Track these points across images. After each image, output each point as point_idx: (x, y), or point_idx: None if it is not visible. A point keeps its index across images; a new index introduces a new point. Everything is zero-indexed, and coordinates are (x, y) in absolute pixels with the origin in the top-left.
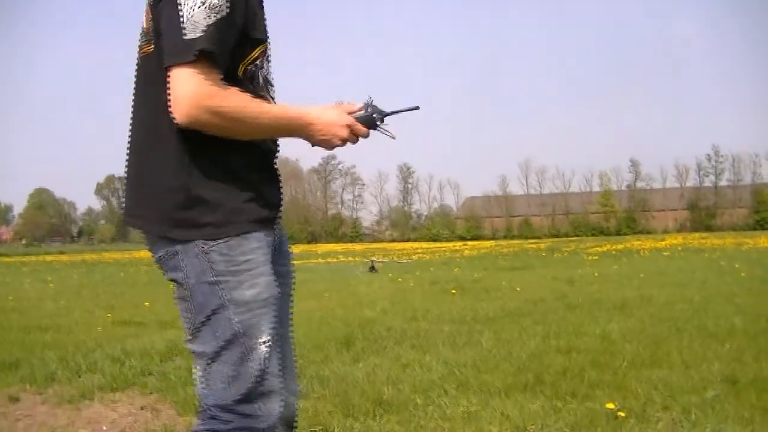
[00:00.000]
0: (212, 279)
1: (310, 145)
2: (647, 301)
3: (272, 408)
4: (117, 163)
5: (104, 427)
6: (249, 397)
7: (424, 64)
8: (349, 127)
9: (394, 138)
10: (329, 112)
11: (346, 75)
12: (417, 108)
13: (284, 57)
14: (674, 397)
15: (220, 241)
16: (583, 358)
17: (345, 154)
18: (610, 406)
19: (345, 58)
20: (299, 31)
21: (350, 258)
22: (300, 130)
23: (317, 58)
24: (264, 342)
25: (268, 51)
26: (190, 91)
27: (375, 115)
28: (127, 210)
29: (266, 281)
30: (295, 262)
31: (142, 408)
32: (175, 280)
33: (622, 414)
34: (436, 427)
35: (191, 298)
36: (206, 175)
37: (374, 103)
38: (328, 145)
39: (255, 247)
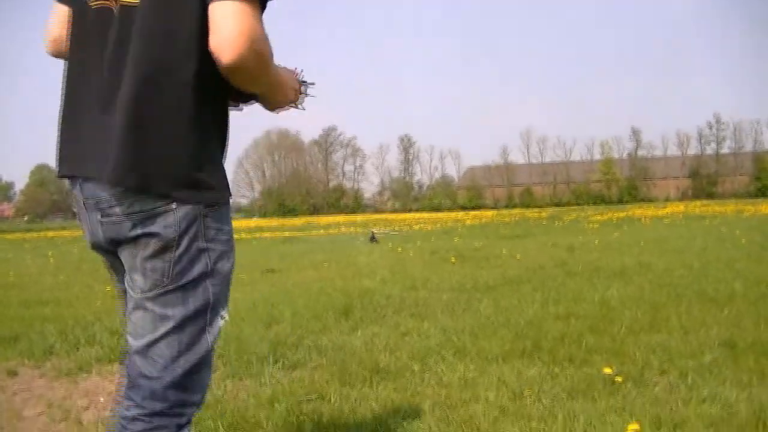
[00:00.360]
0: (203, 245)
1: (265, 107)
2: (647, 267)
3: (208, 380)
4: None
5: (102, 399)
6: (196, 368)
7: (422, 28)
8: (296, 91)
9: (304, 110)
10: (287, 74)
11: (339, 37)
12: (313, 84)
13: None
14: (672, 362)
15: (216, 207)
16: (581, 324)
17: (346, 126)
18: (608, 371)
19: (342, 18)
20: None
21: (352, 229)
22: (279, 87)
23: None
24: (223, 317)
25: None
26: (247, 28)
27: (303, 83)
28: (118, 167)
29: (235, 256)
30: (296, 234)
31: None
32: (154, 234)
33: (619, 379)
34: (432, 394)
35: (173, 258)
36: (211, 137)
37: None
38: (282, 106)
39: (230, 219)
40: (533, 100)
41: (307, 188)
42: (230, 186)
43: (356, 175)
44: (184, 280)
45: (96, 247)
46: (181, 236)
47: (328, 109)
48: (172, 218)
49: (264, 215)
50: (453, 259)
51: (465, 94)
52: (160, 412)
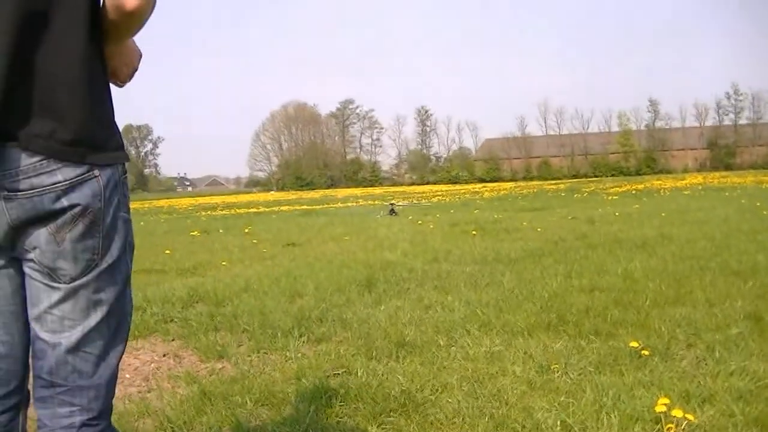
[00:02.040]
0: (125, 215)
1: (122, 80)
2: (668, 239)
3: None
4: (132, 112)
5: (128, 375)
6: (122, 354)
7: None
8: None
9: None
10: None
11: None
12: None
13: None
14: (698, 335)
15: (126, 171)
16: (605, 296)
17: (362, 98)
18: (634, 344)
19: None
20: None
21: (370, 202)
22: (134, 52)
23: None
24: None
25: None
26: None
27: None
28: (25, 131)
29: None
30: (314, 207)
31: (164, 355)
32: (80, 207)
33: (645, 352)
34: (459, 368)
35: (102, 233)
36: (109, 95)
37: None
38: (131, 75)
39: None
40: (550, 71)
41: (325, 161)
42: (248, 160)
43: (373, 147)
44: (111, 257)
45: None
46: (105, 206)
47: (345, 82)
48: (97, 185)
49: (282, 188)
50: (473, 232)
51: (482, 65)
52: (105, 412)
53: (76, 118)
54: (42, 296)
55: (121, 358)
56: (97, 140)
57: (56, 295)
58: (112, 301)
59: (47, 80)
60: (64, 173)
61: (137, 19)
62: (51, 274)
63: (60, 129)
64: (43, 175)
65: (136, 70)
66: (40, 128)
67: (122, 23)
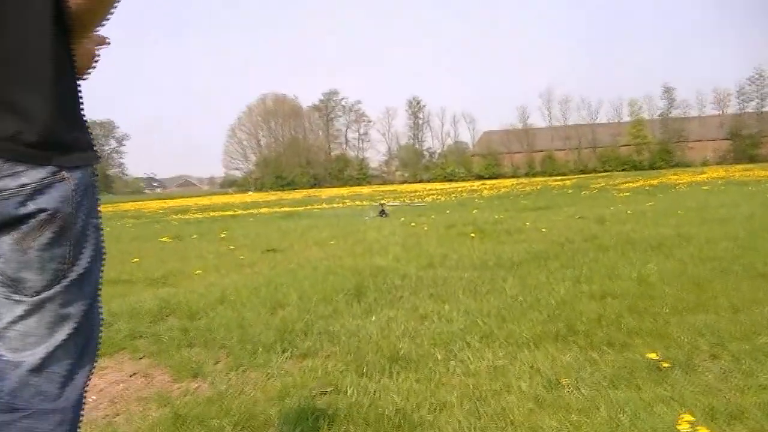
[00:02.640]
0: (96, 221)
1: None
2: (687, 239)
3: None
4: (93, 106)
5: (92, 398)
6: (90, 375)
7: None
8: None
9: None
10: None
11: None
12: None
13: None
14: (723, 345)
15: (97, 173)
16: (619, 303)
17: (348, 90)
18: (652, 355)
19: None
20: None
21: (357, 202)
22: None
23: None
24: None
25: None
26: None
27: None
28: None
29: None
30: (297, 209)
31: (133, 374)
32: (48, 212)
33: (665, 364)
34: (458, 384)
35: (72, 241)
36: (78, 90)
37: None
38: (92, 66)
39: None
40: (554, 56)
41: (307, 158)
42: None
43: (361, 143)
44: (81, 267)
45: None
46: (76, 211)
47: (327, 72)
48: (66, 189)
49: (260, 189)
50: (472, 234)
51: (479, 51)
52: None
53: (42, 117)
54: (3, 310)
55: (89, 379)
56: (66, 140)
57: (19, 309)
58: (80, 316)
59: (9, 77)
60: (31, 176)
61: (107, 3)
62: (14, 285)
63: (25, 129)
64: (7, 178)
65: (97, 58)
66: (4, 129)
67: (89, 10)
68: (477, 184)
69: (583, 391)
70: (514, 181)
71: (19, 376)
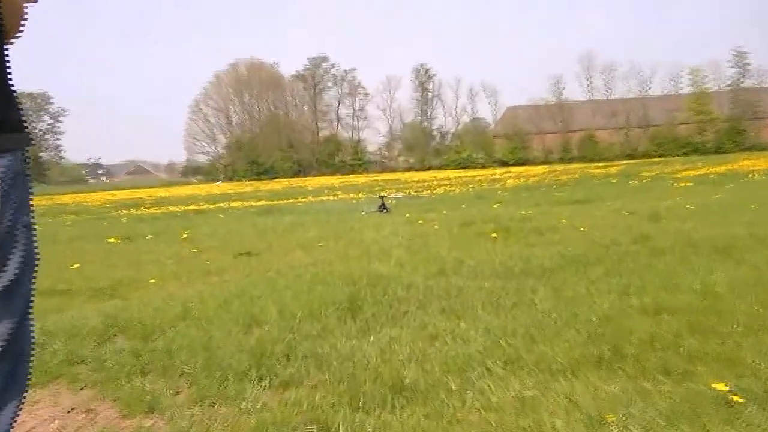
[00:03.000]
0: (27, 218)
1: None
2: (763, 241)
3: None
4: (22, 75)
5: None
6: (19, 406)
7: None
8: None
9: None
10: None
11: None
12: None
13: None
14: None
15: (30, 159)
16: (677, 321)
17: (340, 55)
18: (721, 387)
19: None
20: None
21: (352, 195)
22: None
23: None
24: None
25: None
26: None
27: None
28: None
29: None
30: (277, 202)
31: (71, 409)
32: None
33: (737, 398)
34: (477, 421)
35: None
36: (5, 59)
37: None
38: (20, 27)
39: None
40: (596, 13)
41: (290, 140)
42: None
43: (356, 121)
44: (8, 276)
45: None
46: (3, 206)
47: (313, 34)
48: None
49: (232, 178)
50: (494, 234)
51: (501, 7)
52: None
53: None
54: None
55: (16, 416)
56: (6, 122)
57: None
58: (7, 338)
59: None
60: None
61: None
62: None
63: None
64: None
65: (25, 18)
66: None
67: None
68: (500, 171)
69: (633, 430)
70: (545, 168)
71: None
